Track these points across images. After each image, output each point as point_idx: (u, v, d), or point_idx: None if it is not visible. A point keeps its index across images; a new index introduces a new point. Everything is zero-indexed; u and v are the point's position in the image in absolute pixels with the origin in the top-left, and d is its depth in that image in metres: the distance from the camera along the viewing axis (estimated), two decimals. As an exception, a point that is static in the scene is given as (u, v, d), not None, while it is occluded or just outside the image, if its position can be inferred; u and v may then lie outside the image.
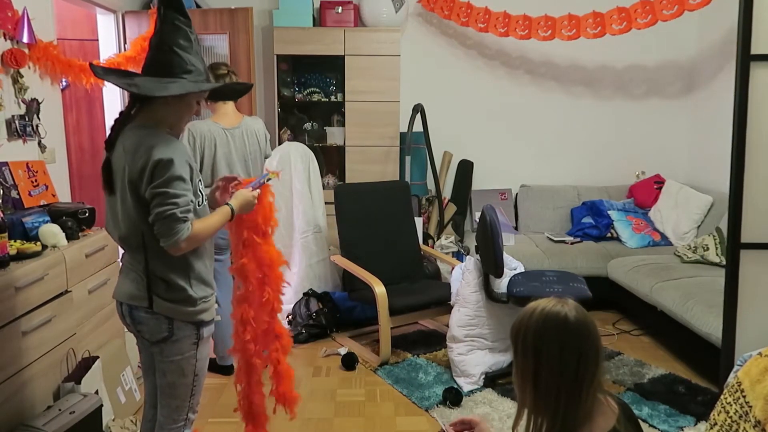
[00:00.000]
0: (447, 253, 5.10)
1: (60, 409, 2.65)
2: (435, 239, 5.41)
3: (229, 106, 3.63)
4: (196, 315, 2.14)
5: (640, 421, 3.22)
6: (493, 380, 3.68)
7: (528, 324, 1.54)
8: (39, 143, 3.63)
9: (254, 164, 3.68)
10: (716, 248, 4.44)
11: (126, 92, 4.81)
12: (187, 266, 2.11)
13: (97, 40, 5.03)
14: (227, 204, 2.24)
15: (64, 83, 4.28)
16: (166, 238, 1.97)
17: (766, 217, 2.69)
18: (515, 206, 5.79)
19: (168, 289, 2.09)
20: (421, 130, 5.34)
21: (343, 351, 4.12)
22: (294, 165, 4.78)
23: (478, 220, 3.90)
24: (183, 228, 1.96)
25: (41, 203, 3.32)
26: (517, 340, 1.57)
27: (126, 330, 2.27)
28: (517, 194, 5.81)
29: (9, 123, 3.37)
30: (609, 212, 5.33)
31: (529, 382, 1.53)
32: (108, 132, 2.12)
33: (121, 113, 2.11)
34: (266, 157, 3.83)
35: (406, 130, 5.30)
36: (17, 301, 2.54)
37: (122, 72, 2.21)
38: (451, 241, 5.37)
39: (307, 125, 5.62)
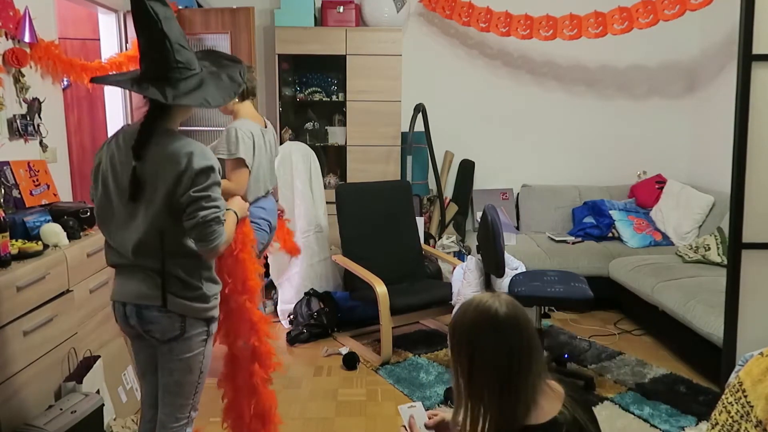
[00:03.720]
0: (448, 253, 5.10)
1: (61, 409, 2.66)
2: (436, 239, 5.41)
3: (253, 103, 3.41)
4: (208, 311, 2.19)
5: (641, 420, 3.23)
6: (494, 380, 3.67)
7: (463, 320, 1.57)
8: (40, 142, 3.63)
9: (272, 171, 3.48)
10: (718, 248, 4.44)
11: (127, 92, 4.79)
12: (201, 265, 2.16)
13: (99, 39, 5.03)
14: (229, 209, 2.28)
15: (65, 82, 4.29)
16: (206, 242, 2.03)
17: (768, 217, 2.69)
18: (516, 206, 5.79)
19: (184, 288, 2.12)
20: (423, 129, 5.34)
21: (344, 351, 4.12)
22: (295, 165, 4.78)
23: (479, 220, 3.90)
24: (222, 232, 2.05)
25: (42, 203, 3.32)
26: (452, 337, 1.59)
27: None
28: (518, 194, 5.81)
29: (10, 122, 3.37)
30: (610, 212, 5.33)
31: (463, 377, 1.55)
32: (112, 135, 2.14)
33: (144, 122, 2.06)
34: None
35: (407, 130, 5.30)
36: (18, 301, 2.54)
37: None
38: (452, 241, 5.37)
39: (309, 125, 5.62)
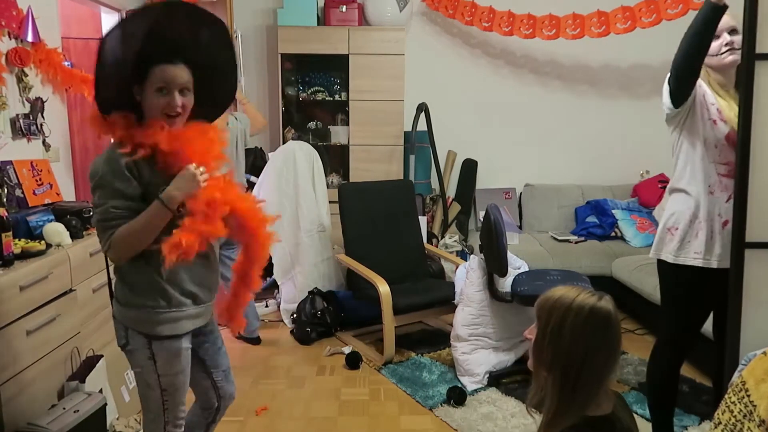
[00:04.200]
0: (451, 252, 5.10)
1: (64, 408, 2.66)
2: (439, 238, 5.41)
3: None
4: (146, 325, 2.02)
5: (644, 420, 3.22)
6: (497, 379, 3.67)
7: (567, 311, 1.54)
8: (43, 142, 3.64)
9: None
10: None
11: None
12: (141, 272, 2.01)
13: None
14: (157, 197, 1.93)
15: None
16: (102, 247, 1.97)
17: (772, 217, 2.68)
18: (519, 205, 5.79)
19: (120, 291, 2.06)
20: (426, 129, 5.34)
21: (347, 350, 4.12)
22: (298, 164, 4.78)
23: (482, 219, 3.89)
24: (107, 237, 1.92)
25: (45, 202, 3.33)
26: (549, 323, 1.56)
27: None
28: (521, 193, 5.80)
29: (13, 122, 3.38)
30: (613, 211, 5.32)
31: (557, 368, 1.54)
32: None
33: None
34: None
35: (410, 129, 5.30)
36: (21, 300, 2.55)
37: None
38: (455, 240, 5.37)
39: (312, 124, 5.63)
